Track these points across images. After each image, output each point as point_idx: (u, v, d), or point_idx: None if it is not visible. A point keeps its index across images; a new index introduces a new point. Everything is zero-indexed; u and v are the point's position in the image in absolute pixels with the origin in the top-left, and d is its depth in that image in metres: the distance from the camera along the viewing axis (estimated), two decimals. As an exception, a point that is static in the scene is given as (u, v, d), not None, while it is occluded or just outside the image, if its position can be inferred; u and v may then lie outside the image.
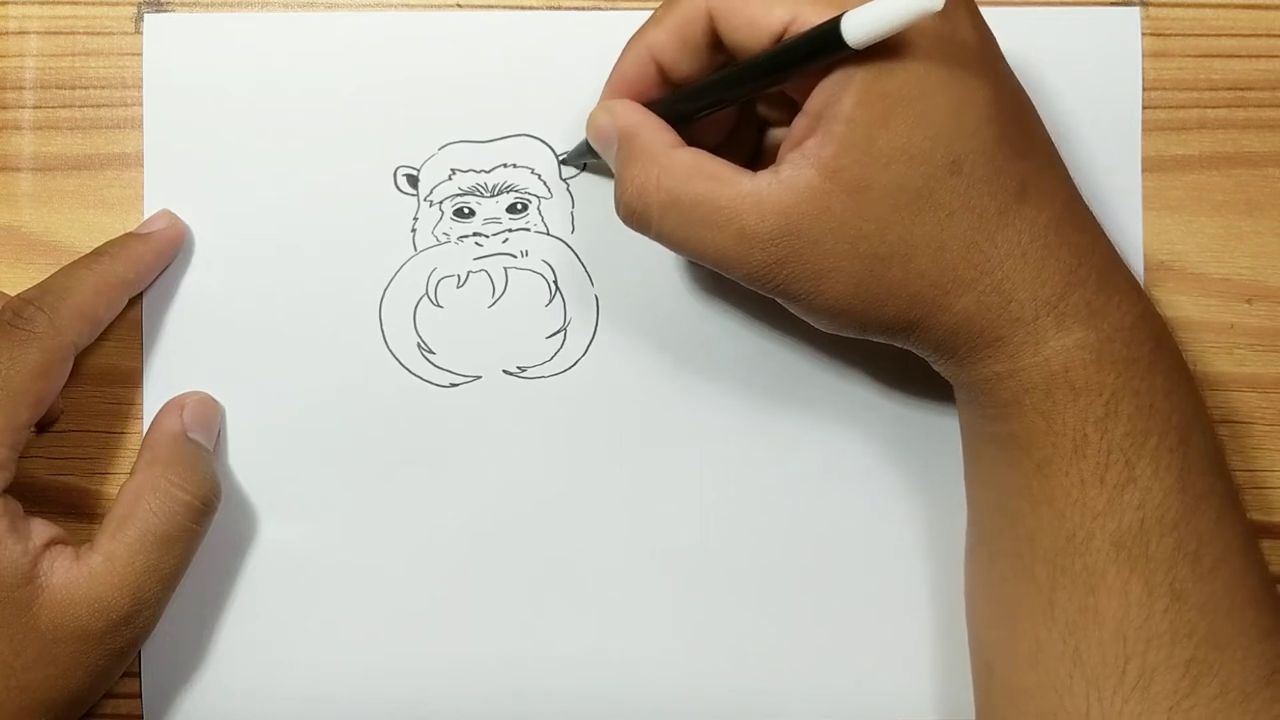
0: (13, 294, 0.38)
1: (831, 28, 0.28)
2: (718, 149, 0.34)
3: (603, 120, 0.34)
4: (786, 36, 0.31)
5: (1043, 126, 0.33)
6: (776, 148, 0.36)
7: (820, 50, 0.29)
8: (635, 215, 0.33)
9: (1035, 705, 0.32)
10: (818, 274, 0.31)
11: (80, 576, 0.34)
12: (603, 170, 0.39)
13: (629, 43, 0.34)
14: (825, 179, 0.30)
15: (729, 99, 0.33)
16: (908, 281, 0.31)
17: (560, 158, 0.39)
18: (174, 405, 0.38)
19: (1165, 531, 0.31)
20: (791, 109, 0.33)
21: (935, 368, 0.35)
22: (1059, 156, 0.33)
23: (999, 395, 0.32)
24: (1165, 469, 0.31)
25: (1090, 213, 0.33)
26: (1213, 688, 0.30)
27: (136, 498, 0.36)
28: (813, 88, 0.31)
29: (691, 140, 0.34)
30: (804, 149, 0.31)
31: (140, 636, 0.36)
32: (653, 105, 0.34)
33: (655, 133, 0.33)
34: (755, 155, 0.38)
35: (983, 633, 0.35)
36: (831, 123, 0.30)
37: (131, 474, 0.37)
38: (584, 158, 0.38)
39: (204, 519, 0.36)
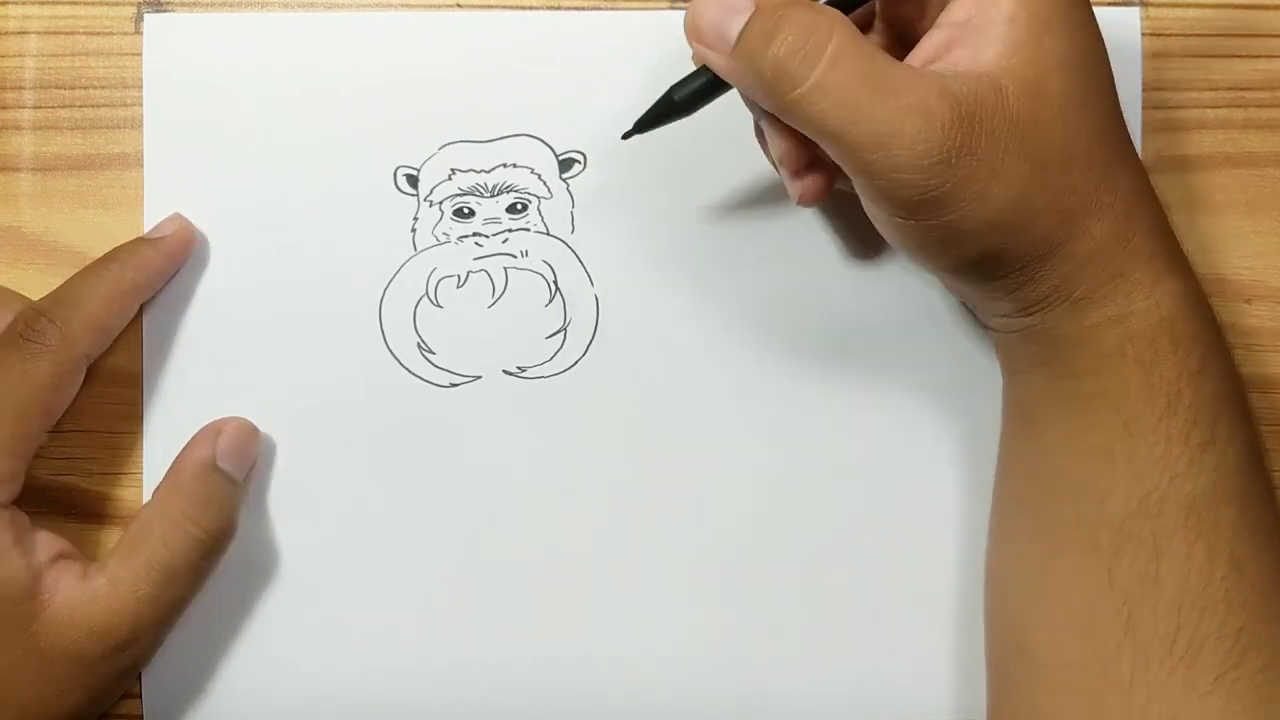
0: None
1: None
2: None
3: None
4: None
5: None
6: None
7: None
8: (798, 58, 0.29)
9: (1074, 678, 0.32)
10: (989, 174, 0.30)
11: (83, 598, 0.34)
12: (612, 169, 0.39)
13: None
14: (998, 76, 0.30)
15: None
16: (1063, 195, 0.30)
17: (629, 131, 0.35)
18: (209, 431, 0.38)
19: (1234, 498, 0.31)
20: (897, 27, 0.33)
21: (1020, 325, 0.33)
22: None
23: (1102, 344, 0.32)
24: (1238, 432, 0.32)
25: None
26: (1259, 660, 0.30)
27: (149, 525, 0.36)
28: None
29: None
30: (954, 58, 0.30)
31: (139, 662, 0.36)
32: None
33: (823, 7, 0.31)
34: None
35: (1018, 613, 0.34)
36: (990, 25, 0.30)
37: (152, 497, 0.37)
38: (660, 122, 0.34)
39: (214, 555, 0.36)
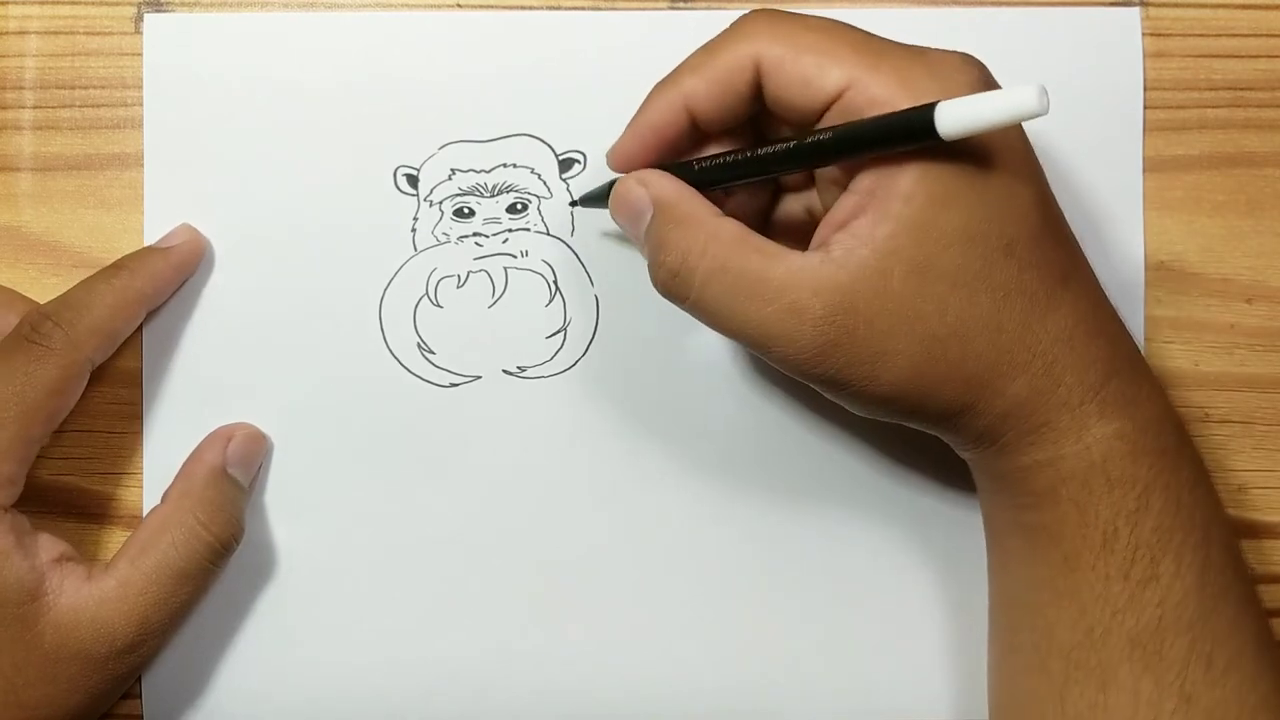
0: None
1: (924, 117, 0.27)
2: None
3: (635, 191, 0.33)
4: (841, 103, 0.29)
5: (1068, 224, 0.33)
6: (788, 218, 0.36)
7: (904, 136, 0.28)
8: (676, 280, 0.31)
9: None
10: (873, 357, 0.30)
11: (89, 599, 0.34)
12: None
13: (659, 88, 0.33)
14: (883, 258, 0.29)
15: (777, 173, 0.32)
16: (965, 363, 0.30)
17: (571, 201, 0.39)
18: (220, 436, 0.38)
19: (1181, 631, 0.31)
20: (810, 179, 0.32)
21: (964, 456, 0.34)
22: (1080, 247, 0.33)
23: (1035, 484, 0.32)
24: (1187, 567, 0.31)
25: (1113, 306, 0.34)
26: None
27: (161, 529, 0.36)
28: (861, 165, 0.30)
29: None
30: (854, 228, 0.30)
31: (142, 665, 0.36)
32: (680, 172, 0.33)
33: (697, 200, 0.32)
34: (764, 224, 0.36)
35: (995, 717, 0.35)
36: (887, 201, 0.29)
37: (163, 500, 0.37)
38: (601, 204, 0.36)
39: (222, 560, 0.37)
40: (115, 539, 0.39)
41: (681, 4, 0.40)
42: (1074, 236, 0.33)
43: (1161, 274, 0.40)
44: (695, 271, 0.31)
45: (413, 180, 0.39)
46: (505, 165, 0.39)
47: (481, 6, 0.40)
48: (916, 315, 0.30)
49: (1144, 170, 0.40)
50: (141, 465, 0.39)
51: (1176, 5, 0.40)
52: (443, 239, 0.39)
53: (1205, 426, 0.40)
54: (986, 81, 0.30)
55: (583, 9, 0.40)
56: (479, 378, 0.39)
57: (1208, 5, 0.40)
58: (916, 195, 0.29)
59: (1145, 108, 0.40)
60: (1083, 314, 0.31)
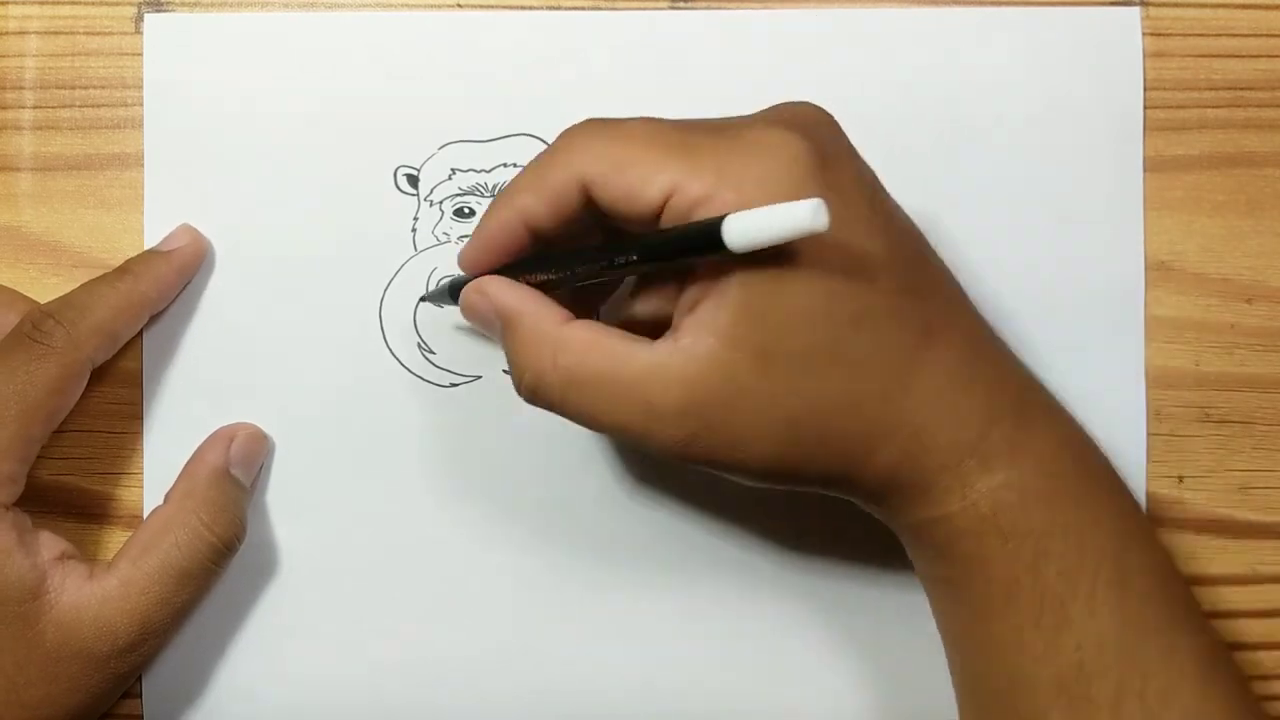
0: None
1: (712, 228, 0.27)
2: (585, 302, 0.34)
3: (477, 301, 0.33)
4: (668, 208, 0.29)
5: (934, 254, 0.33)
6: (655, 304, 0.34)
7: (702, 247, 0.28)
8: (538, 399, 0.31)
9: None
10: (735, 443, 0.30)
11: (91, 597, 0.34)
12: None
13: (496, 204, 0.32)
14: (727, 347, 0.29)
15: (609, 278, 0.32)
16: (828, 441, 0.30)
17: (421, 297, 0.39)
18: (222, 436, 0.38)
19: (1106, 671, 0.30)
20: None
21: (871, 513, 0.34)
22: (959, 288, 0.33)
23: (933, 540, 0.32)
24: (1102, 605, 0.30)
25: (998, 341, 0.33)
26: None
27: (164, 529, 0.36)
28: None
29: (574, 294, 0.33)
30: (699, 316, 0.29)
31: (143, 664, 0.36)
32: (527, 280, 0.33)
33: (541, 309, 0.31)
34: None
35: None
36: (724, 290, 0.29)
37: (165, 500, 0.37)
38: (445, 300, 0.36)
39: (225, 560, 0.37)
40: (115, 539, 0.39)
41: (681, 4, 0.40)
42: (943, 276, 0.32)
43: (1161, 274, 0.40)
44: (552, 387, 0.31)
45: (413, 180, 0.39)
46: (505, 165, 0.39)
47: (481, 6, 0.40)
48: (771, 400, 0.29)
49: (1144, 170, 0.40)
50: (142, 465, 0.39)
51: (1176, 5, 0.40)
52: (443, 239, 0.39)
53: (1205, 426, 0.40)
54: (812, 154, 0.29)
55: (583, 9, 0.40)
56: (479, 378, 0.39)
57: (1208, 5, 0.40)
58: (751, 282, 0.29)
59: (1145, 108, 0.40)
60: (952, 369, 0.31)
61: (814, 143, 0.29)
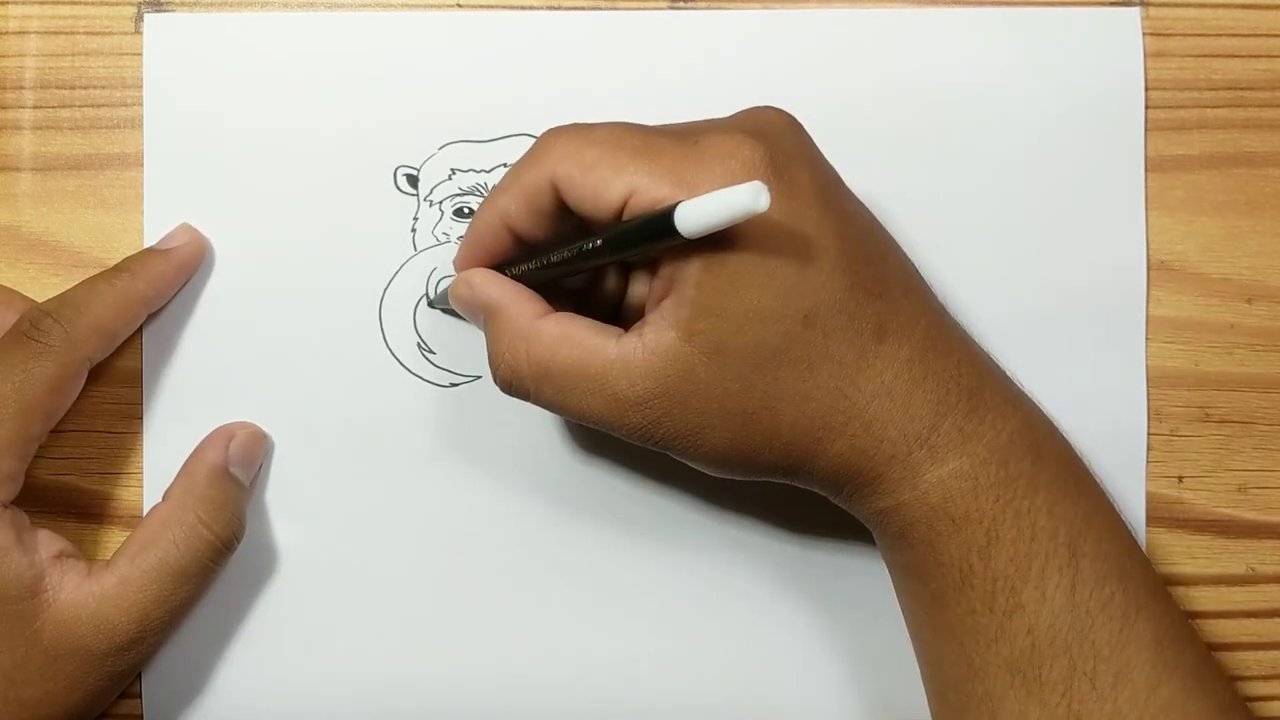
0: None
1: (665, 216, 0.28)
2: (585, 293, 0.35)
3: (464, 293, 0.34)
4: (628, 209, 0.31)
5: (896, 251, 0.33)
6: (642, 293, 0.36)
7: (658, 234, 0.29)
8: (511, 388, 0.33)
9: None
10: (692, 431, 0.32)
11: (89, 595, 0.34)
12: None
13: (483, 206, 0.34)
14: (685, 341, 0.31)
15: (583, 269, 0.33)
16: (779, 433, 0.32)
17: (429, 303, 0.39)
18: (221, 435, 0.38)
19: (1057, 654, 0.31)
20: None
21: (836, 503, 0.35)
22: (918, 279, 0.33)
23: (889, 528, 0.33)
24: (1054, 589, 0.31)
25: (957, 329, 0.33)
26: None
27: (163, 527, 0.36)
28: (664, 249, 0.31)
29: (556, 288, 0.34)
30: (662, 310, 0.31)
31: (141, 663, 0.36)
32: (513, 272, 0.34)
33: (519, 303, 0.33)
34: (623, 300, 0.37)
35: None
36: (682, 286, 0.31)
37: (164, 498, 0.37)
38: (446, 303, 0.38)
39: (223, 559, 0.37)
40: (115, 538, 0.39)
41: (681, 4, 0.40)
42: (901, 270, 0.33)
43: (1162, 274, 0.40)
44: (525, 378, 0.33)
45: (413, 180, 0.39)
46: (505, 165, 0.39)
47: (481, 6, 0.40)
48: (725, 394, 0.31)
49: (1145, 170, 0.40)
50: (141, 465, 0.39)
51: (1176, 5, 0.40)
52: (443, 239, 0.39)
53: (1205, 426, 0.40)
54: (765, 159, 0.30)
55: (583, 9, 0.40)
56: (479, 378, 0.39)
57: (1208, 5, 0.40)
58: (705, 281, 0.30)
59: (1146, 108, 0.40)
60: (903, 363, 0.31)
61: (769, 147, 0.31)
